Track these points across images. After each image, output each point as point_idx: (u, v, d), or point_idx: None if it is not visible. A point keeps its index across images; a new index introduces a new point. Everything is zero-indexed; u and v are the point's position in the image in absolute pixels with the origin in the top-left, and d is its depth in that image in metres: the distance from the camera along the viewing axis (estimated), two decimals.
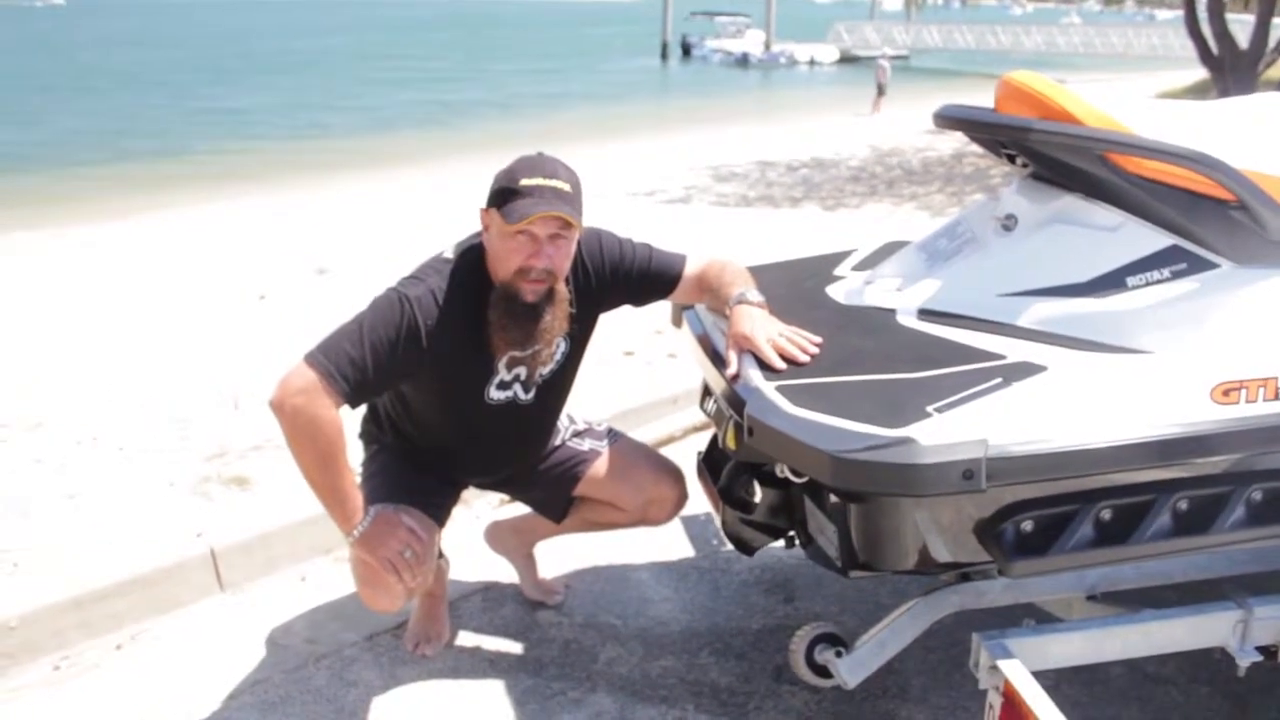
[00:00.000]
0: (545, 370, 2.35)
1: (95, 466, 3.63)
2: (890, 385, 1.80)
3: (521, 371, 2.32)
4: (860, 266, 2.42)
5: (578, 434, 2.62)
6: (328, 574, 3.05)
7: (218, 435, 3.87)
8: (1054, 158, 2.03)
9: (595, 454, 2.59)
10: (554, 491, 2.61)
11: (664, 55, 45.07)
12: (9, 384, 4.54)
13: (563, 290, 2.23)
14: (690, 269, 2.39)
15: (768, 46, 42.71)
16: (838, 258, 2.52)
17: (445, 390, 2.30)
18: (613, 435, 2.67)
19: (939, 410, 1.69)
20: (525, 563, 2.87)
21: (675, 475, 2.60)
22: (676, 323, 2.54)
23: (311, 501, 2.22)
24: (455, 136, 19.96)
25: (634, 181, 11.35)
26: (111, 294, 6.35)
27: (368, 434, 2.56)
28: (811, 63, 41.42)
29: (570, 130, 19.89)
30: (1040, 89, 2.04)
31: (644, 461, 2.62)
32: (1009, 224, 2.16)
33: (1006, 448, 1.68)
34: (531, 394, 2.37)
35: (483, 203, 2.22)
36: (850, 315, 2.14)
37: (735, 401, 1.90)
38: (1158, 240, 1.98)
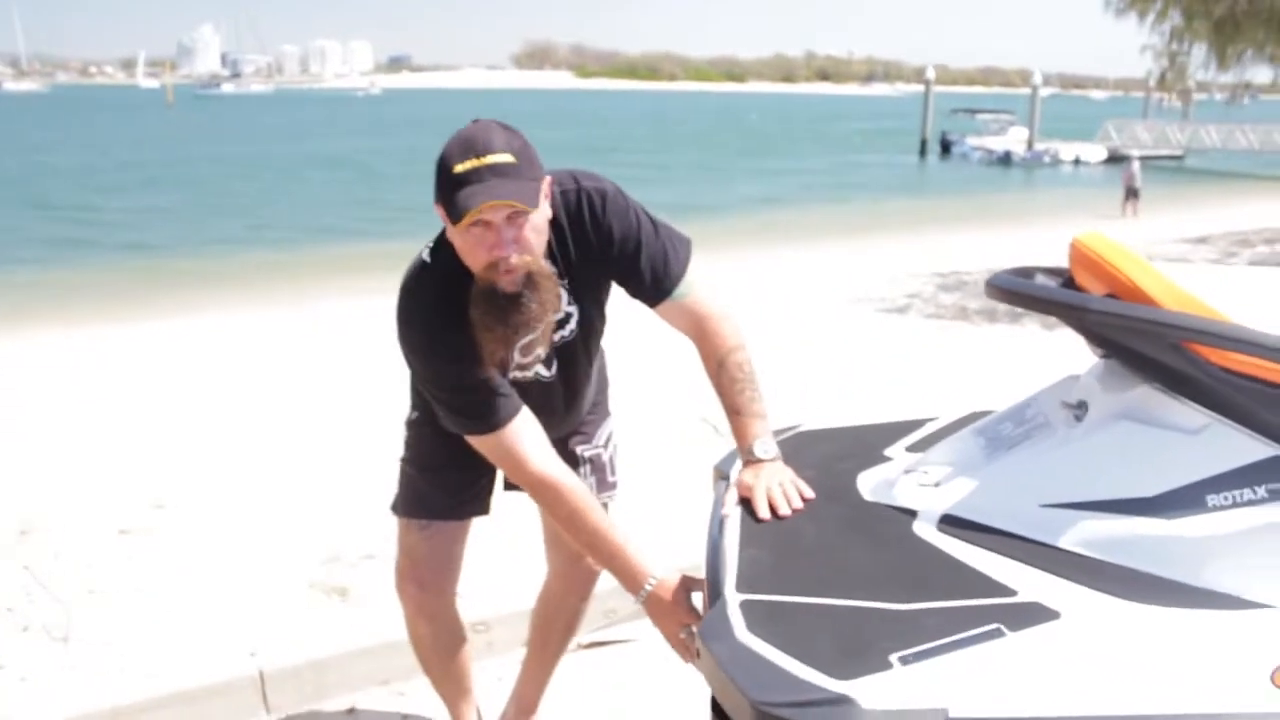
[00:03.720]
0: (557, 338, 2.14)
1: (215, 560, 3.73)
2: (868, 616, 1.49)
3: (540, 351, 2.13)
4: (916, 446, 2.09)
5: (593, 462, 2.42)
6: (380, 705, 2.95)
7: (342, 537, 3.90)
8: (1120, 343, 1.67)
9: None
10: None
11: (922, 152, 44.31)
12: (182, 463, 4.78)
13: (545, 268, 1.97)
14: (687, 299, 2.09)
15: (1030, 145, 41.10)
16: (902, 429, 2.19)
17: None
18: (606, 491, 2.46)
19: (904, 660, 1.37)
20: None
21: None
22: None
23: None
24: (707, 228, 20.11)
25: (860, 286, 11.09)
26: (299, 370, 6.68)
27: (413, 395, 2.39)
28: (1077, 162, 39.57)
29: (816, 227, 19.80)
30: (1109, 258, 1.70)
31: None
32: (1080, 413, 1.80)
33: None
34: (554, 370, 2.19)
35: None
36: (867, 515, 1.82)
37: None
38: (1253, 450, 1.58)
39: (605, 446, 2.47)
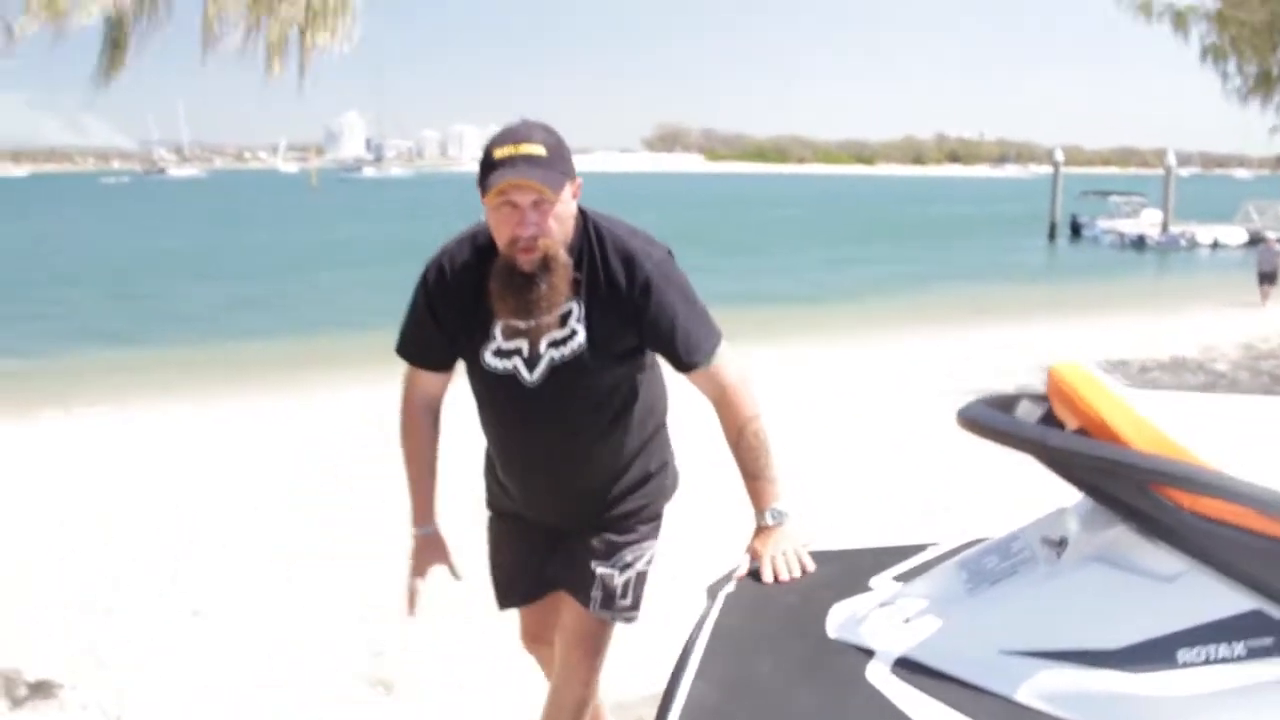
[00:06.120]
0: (556, 354, 2.22)
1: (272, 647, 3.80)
2: None
3: (523, 345, 2.23)
4: (903, 576, 2.00)
5: (603, 581, 2.39)
6: None
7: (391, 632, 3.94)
8: (1087, 482, 1.58)
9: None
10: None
11: (1051, 235, 43.18)
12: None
13: (562, 256, 2.16)
14: (712, 368, 2.26)
15: (1165, 227, 39.61)
16: (896, 555, 2.10)
17: (454, 351, 2.35)
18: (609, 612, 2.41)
19: None
20: None
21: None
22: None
23: None
24: (815, 314, 19.85)
25: (960, 374, 10.75)
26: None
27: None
28: (1215, 245, 37.84)
29: (925, 314, 19.37)
30: (1080, 389, 1.62)
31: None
32: (1061, 550, 1.71)
33: None
34: (537, 375, 2.24)
35: None
36: (825, 654, 1.73)
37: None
38: (1232, 602, 1.46)
39: (622, 570, 2.39)
